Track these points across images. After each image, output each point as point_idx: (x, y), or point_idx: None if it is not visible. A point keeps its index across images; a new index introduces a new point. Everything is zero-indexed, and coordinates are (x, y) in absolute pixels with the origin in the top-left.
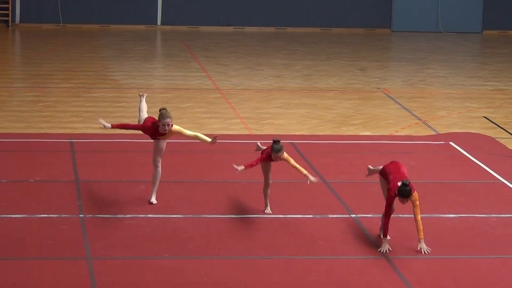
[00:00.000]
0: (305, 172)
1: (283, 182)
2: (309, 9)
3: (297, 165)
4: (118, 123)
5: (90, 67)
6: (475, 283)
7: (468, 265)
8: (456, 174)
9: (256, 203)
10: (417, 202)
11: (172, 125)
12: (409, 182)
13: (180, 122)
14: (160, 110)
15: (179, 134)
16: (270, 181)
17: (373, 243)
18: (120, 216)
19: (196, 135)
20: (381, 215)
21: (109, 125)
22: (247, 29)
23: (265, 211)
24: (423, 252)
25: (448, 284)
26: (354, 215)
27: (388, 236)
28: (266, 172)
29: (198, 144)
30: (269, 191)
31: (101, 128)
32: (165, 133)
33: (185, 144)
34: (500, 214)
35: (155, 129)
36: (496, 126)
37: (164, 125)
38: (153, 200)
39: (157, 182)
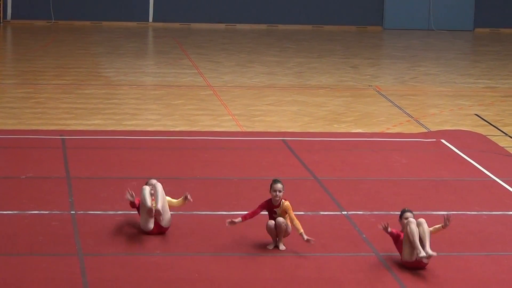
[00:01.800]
0: (301, 230)
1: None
2: (301, 7)
3: (295, 220)
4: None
5: (82, 63)
6: (466, 280)
7: (459, 262)
8: (447, 172)
9: (247, 199)
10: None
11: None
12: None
13: (172, 119)
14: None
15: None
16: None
17: (365, 240)
18: (111, 212)
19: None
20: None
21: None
22: (239, 26)
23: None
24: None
25: (439, 282)
26: (346, 212)
27: None
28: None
29: (188, 141)
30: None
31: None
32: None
33: (175, 141)
34: (491, 211)
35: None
36: (488, 123)
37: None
38: None
39: None
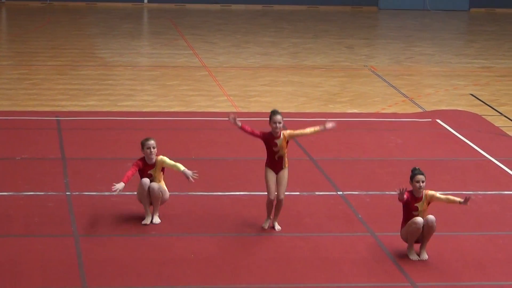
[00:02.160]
0: (318, 128)
1: None
2: None
3: (300, 131)
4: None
5: (77, 44)
6: (461, 259)
7: (454, 241)
8: (443, 152)
9: (244, 180)
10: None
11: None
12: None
13: (167, 100)
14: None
15: (162, 164)
16: (281, 196)
17: (360, 220)
18: (107, 193)
19: (175, 166)
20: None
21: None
22: (234, 7)
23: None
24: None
25: (435, 261)
26: (341, 193)
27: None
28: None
29: (184, 121)
30: (277, 207)
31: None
32: (153, 164)
33: (170, 122)
34: (486, 191)
35: (143, 161)
36: (483, 103)
37: (149, 148)
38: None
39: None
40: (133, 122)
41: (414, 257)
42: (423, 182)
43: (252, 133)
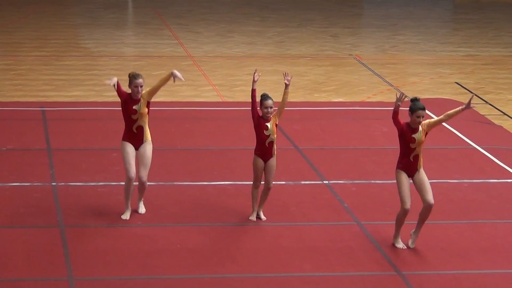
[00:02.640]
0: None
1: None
2: None
3: (284, 101)
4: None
5: (62, 35)
6: (446, 247)
7: (440, 230)
8: (428, 140)
9: (228, 169)
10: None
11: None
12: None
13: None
14: (129, 74)
15: (151, 93)
16: (270, 184)
17: (346, 209)
18: (92, 184)
19: (158, 83)
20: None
21: (115, 80)
22: None
23: (250, 218)
24: None
25: (420, 249)
26: (327, 182)
27: None
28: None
29: (169, 111)
30: (264, 194)
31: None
32: (138, 99)
33: (156, 112)
34: (472, 179)
35: (128, 95)
36: (468, 91)
37: (136, 86)
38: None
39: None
40: (118, 112)
41: (400, 245)
42: (423, 117)
43: (253, 105)
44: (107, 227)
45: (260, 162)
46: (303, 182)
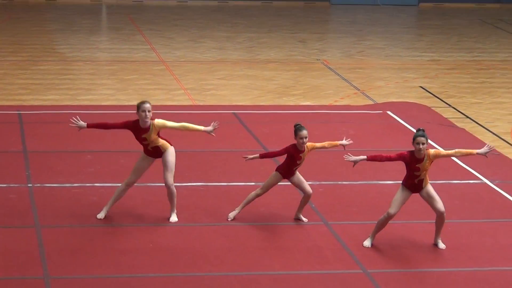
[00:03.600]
0: (338, 142)
1: (227, 151)
2: None
3: (325, 144)
4: (94, 122)
5: (37, 40)
6: (411, 246)
7: (404, 228)
8: (393, 142)
9: (200, 171)
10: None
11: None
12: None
13: (126, 94)
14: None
15: (165, 128)
16: (308, 189)
17: (314, 210)
18: (67, 185)
19: (183, 126)
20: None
21: (84, 125)
22: (190, 2)
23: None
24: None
25: (385, 248)
26: None
27: None
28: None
29: None
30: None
31: (75, 127)
32: (147, 128)
33: (129, 115)
34: (435, 180)
35: (136, 124)
36: (432, 95)
37: (144, 111)
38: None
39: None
40: (93, 116)
41: (368, 243)
42: (423, 144)
43: (276, 155)
44: (82, 227)
45: (279, 179)
46: None
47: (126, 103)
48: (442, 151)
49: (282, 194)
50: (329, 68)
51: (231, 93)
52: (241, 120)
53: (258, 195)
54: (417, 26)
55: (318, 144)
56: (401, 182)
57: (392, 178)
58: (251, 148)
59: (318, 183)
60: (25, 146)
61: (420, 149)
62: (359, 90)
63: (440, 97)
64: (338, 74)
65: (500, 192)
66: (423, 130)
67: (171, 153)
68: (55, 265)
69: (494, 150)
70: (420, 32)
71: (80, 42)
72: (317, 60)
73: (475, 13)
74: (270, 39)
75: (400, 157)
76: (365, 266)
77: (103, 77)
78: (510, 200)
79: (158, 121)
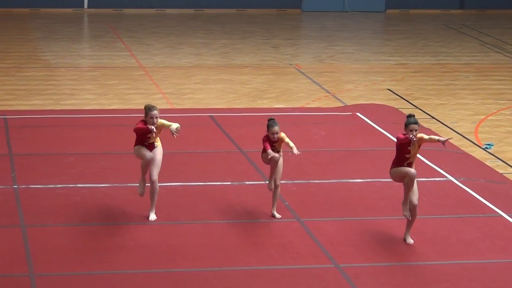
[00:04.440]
0: (292, 144)
1: (204, 152)
2: None
3: (289, 141)
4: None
5: (21, 48)
6: (381, 241)
7: (374, 225)
8: (363, 142)
9: (178, 172)
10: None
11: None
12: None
13: (106, 98)
14: (145, 106)
15: (162, 127)
16: (278, 182)
17: (287, 207)
18: (51, 186)
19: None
20: None
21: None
22: (168, 11)
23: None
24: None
25: (356, 244)
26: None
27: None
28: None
29: (122, 118)
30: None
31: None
32: (154, 128)
33: (110, 119)
34: None
35: (145, 124)
36: (399, 97)
37: (152, 117)
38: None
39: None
40: (76, 120)
41: (407, 213)
42: (416, 130)
43: (266, 147)
44: (66, 226)
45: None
46: (247, 183)
47: (107, 107)
48: (424, 136)
49: (256, 193)
50: (301, 72)
51: (207, 97)
52: (217, 122)
53: (277, 186)
54: (384, 32)
55: (285, 139)
56: (369, 180)
57: (361, 177)
58: (226, 149)
59: (291, 182)
60: (11, 149)
61: (412, 136)
62: (329, 93)
63: (406, 99)
64: (310, 78)
65: (465, 189)
66: (414, 116)
67: (160, 151)
68: (40, 263)
69: (459, 148)
70: (387, 37)
71: (63, 49)
72: (290, 64)
73: (439, 19)
74: (244, 45)
75: (406, 139)
76: (337, 261)
77: (85, 83)
78: (474, 196)
79: (159, 122)
